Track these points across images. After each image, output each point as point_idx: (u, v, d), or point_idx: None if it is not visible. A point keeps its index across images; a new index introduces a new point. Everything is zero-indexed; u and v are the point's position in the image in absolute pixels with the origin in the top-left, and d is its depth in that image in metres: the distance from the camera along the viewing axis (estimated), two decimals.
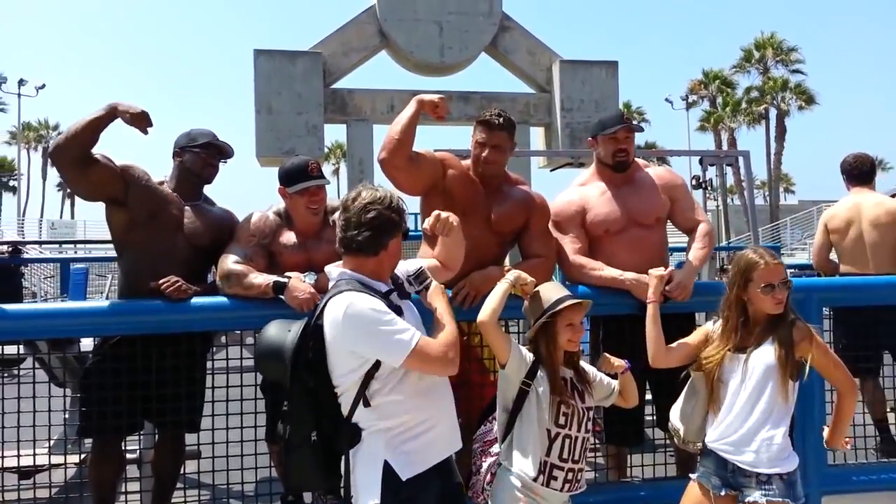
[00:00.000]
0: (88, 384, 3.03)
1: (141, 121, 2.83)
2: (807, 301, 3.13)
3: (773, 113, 36.88)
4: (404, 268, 2.43)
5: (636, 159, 3.44)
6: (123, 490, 3.23)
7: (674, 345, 2.65)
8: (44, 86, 36.42)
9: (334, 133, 45.35)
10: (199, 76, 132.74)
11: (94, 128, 2.82)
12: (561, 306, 2.37)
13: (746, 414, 2.43)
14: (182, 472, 3.23)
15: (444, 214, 2.48)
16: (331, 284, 2.24)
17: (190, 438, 3.13)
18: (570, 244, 3.21)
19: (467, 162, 3.20)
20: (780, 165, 37.04)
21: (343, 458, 2.13)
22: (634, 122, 3.32)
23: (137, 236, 3.03)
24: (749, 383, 2.44)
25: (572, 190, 3.37)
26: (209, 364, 3.18)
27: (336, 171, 50.22)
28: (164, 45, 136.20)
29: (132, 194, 2.99)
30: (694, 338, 2.66)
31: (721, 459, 2.46)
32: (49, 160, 3.22)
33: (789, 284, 2.48)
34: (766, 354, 2.44)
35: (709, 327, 2.63)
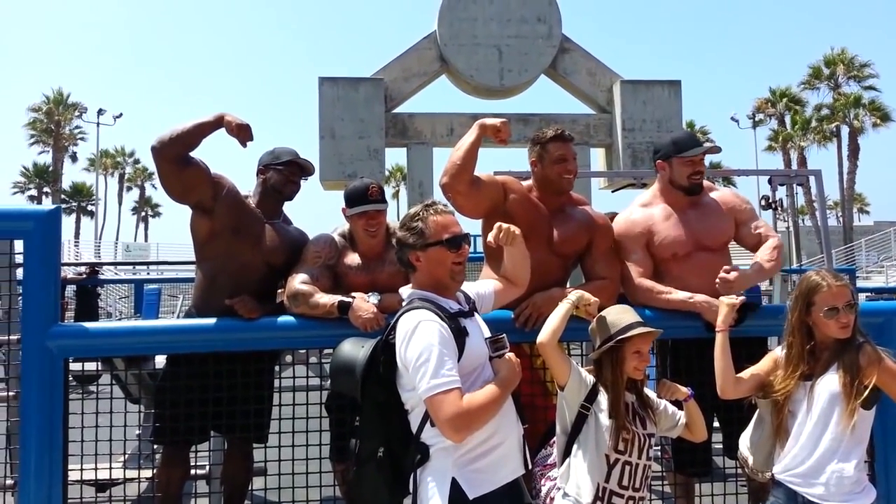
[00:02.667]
0: (163, 394, 3.14)
1: (244, 133, 2.95)
2: (887, 325, 2.99)
3: (844, 131, 35.59)
4: (475, 290, 2.47)
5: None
6: None
7: (744, 374, 2.55)
8: (121, 115, 38.11)
9: (395, 156, 46.12)
10: (265, 102, 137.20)
11: (200, 132, 2.95)
12: (631, 333, 2.32)
13: (813, 445, 2.32)
14: (250, 488, 3.29)
15: (505, 225, 2.50)
16: (404, 303, 2.27)
17: (257, 456, 3.19)
18: (635, 266, 3.14)
19: (528, 183, 3.20)
20: (854, 185, 35.61)
21: (412, 475, 2.13)
22: (710, 144, 3.21)
23: (218, 248, 3.12)
24: (814, 412, 2.33)
25: (635, 210, 3.29)
26: (276, 382, 3.24)
27: (396, 194, 50.83)
28: (234, 73, 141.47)
29: (220, 204, 3.08)
30: (763, 365, 2.55)
31: (791, 491, 2.35)
32: (151, 153, 3.35)
33: (855, 307, 2.36)
34: (831, 382, 2.32)
35: (777, 353, 2.53)
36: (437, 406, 1.99)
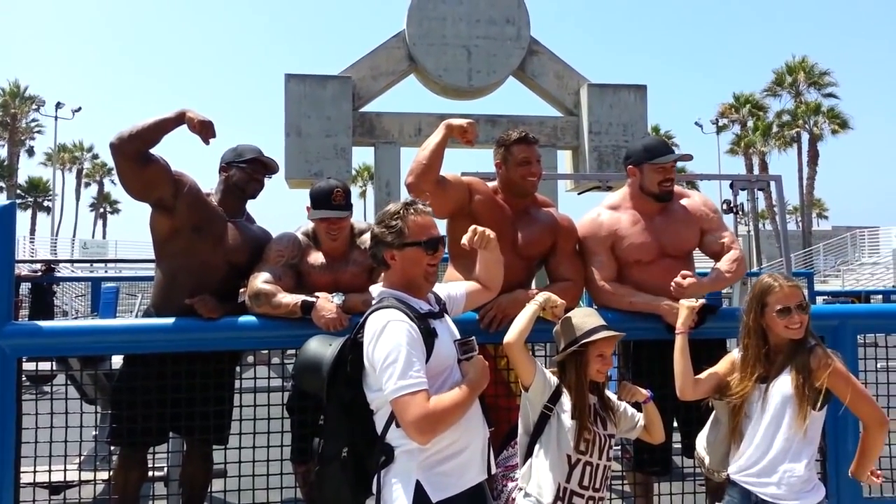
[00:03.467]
0: (120, 395, 3.08)
1: (206, 130, 2.90)
2: (842, 328, 3.07)
3: (805, 137, 36.49)
4: (446, 291, 2.46)
5: None
6: None
7: (702, 375, 2.60)
8: (80, 109, 37.31)
9: (362, 155, 45.93)
10: (230, 99, 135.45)
11: (161, 128, 2.89)
12: (595, 337, 2.34)
13: (767, 445, 2.38)
14: (209, 490, 3.24)
15: (480, 228, 2.48)
16: (374, 302, 2.25)
17: (217, 457, 3.15)
18: (599, 269, 3.17)
19: (493, 184, 3.21)
20: (813, 190, 36.55)
21: (375, 476, 2.10)
22: (683, 152, 3.25)
23: (178, 246, 3.07)
24: (768, 414, 2.38)
25: (602, 212, 3.29)
26: (237, 383, 3.20)
27: (363, 194, 50.64)
28: (197, 69, 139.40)
29: (181, 202, 3.02)
30: (721, 367, 2.60)
31: (745, 491, 2.41)
32: (110, 150, 2.97)
33: (807, 308, 2.41)
34: (783, 384, 2.38)
35: (735, 355, 2.58)
36: (404, 408, 1.97)
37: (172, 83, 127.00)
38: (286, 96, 13.55)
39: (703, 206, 3.31)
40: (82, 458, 3.63)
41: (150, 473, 3.34)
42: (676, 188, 3.33)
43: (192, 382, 2.91)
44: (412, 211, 2.25)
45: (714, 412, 2.63)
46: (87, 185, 50.92)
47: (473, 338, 2.22)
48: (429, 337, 2.11)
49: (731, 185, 7.84)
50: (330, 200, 3.04)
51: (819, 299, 12.23)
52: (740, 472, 2.43)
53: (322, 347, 2.24)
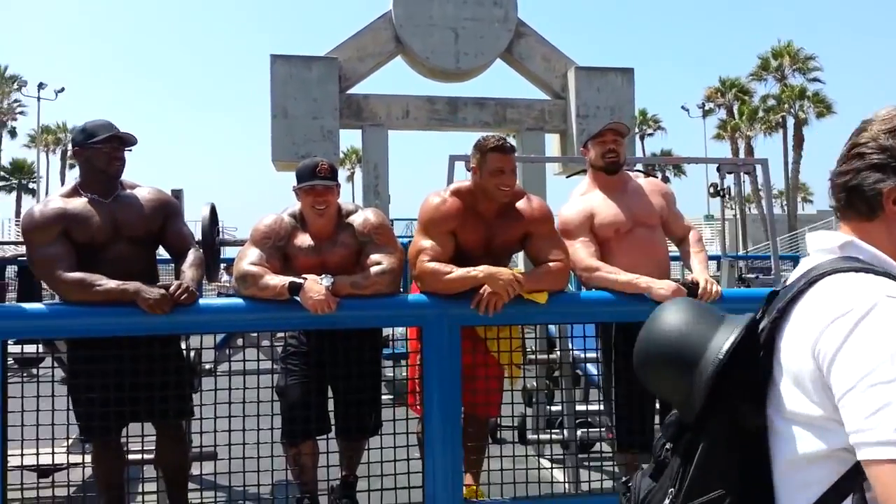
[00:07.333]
0: (75, 386, 3.02)
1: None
2: None
3: (790, 122, 36.62)
4: None
5: (625, 171, 3.51)
6: (140, 490, 3.26)
7: None
8: (63, 89, 36.90)
9: (349, 138, 45.63)
10: (215, 80, 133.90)
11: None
12: None
13: None
14: (199, 473, 3.24)
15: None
16: (829, 258, 1.11)
17: (206, 440, 3.14)
18: (582, 249, 3.22)
19: (464, 184, 3.21)
20: (798, 174, 36.73)
21: None
22: (623, 125, 3.43)
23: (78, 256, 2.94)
24: None
25: (575, 200, 3.41)
26: (226, 366, 3.20)
27: (351, 177, 50.32)
28: (181, 49, 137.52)
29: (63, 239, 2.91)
30: None
31: None
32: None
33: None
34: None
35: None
36: None
37: (155, 63, 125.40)
38: (272, 77, 13.44)
39: (657, 184, 3.60)
40: (71, 441, 3.63)
41: (141, 456, 3.35)
42: (629, 173, 3.55)
43: (136, 366, 2.86)
44: None
45: None
46: (72, 166, 50.18)
47: None
48: None
49: (718, 169, 7.85)
50: (315, 172, 3.01)
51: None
52: None
53: (701, 328, 1.16)
